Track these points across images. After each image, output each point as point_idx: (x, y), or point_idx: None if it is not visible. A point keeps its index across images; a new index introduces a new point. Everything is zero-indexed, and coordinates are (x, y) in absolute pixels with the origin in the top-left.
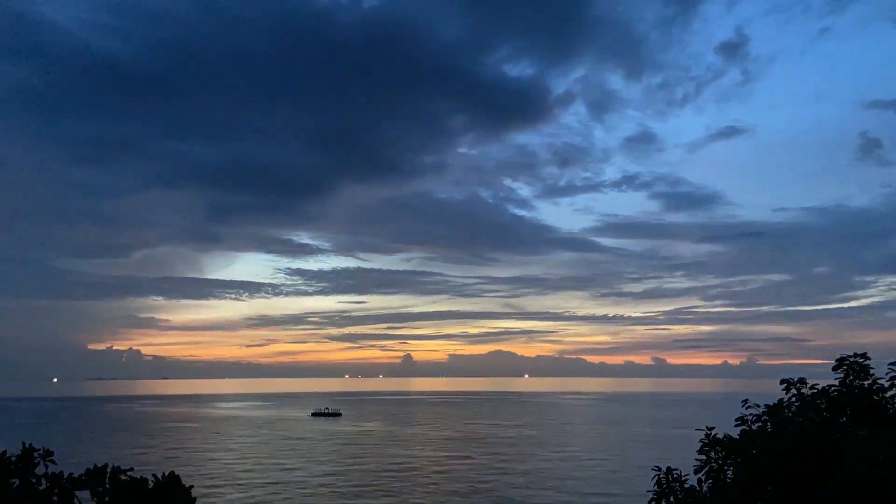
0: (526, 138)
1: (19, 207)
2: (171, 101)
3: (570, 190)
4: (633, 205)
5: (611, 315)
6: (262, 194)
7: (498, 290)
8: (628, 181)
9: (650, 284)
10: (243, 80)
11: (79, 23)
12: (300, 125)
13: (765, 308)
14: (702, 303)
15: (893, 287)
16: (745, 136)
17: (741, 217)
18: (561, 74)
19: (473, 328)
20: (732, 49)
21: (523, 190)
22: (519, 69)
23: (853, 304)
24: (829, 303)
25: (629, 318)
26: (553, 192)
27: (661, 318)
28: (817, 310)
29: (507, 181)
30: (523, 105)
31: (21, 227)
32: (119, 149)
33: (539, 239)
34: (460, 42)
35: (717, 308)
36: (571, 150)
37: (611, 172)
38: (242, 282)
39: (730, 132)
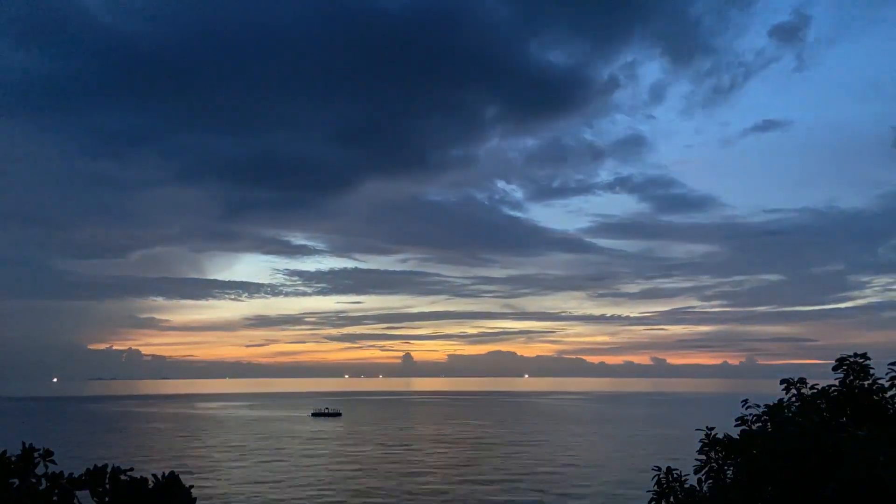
0: (559, 130)
1: (22, 203)
2: (196, 90)
3: (599, 187)
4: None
5: (609, 315)
6: (282, 190)
7: (497, 291)
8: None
9: (651, 284)
10: (272, 69)
11: (105, 4)
12: (327, 117)
13: (765, 308)
14: (700, 303)
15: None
16: (784, 130)
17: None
18: (606, 60)
19: (472, 328)
20: (788, 33)
21: (539, 186)
22: (561, 55)
23: (850, 304)
24: (829, 303)
25: (628, 318)
26: (582, 188)
27: (660, 318)
28: (815, 310)
29: (528, 178)
30: (562, 94)
31: (23, 225)
32: (138, 141)
33: (538, 239)
34: (502, 27)
35: (717, 308)
36: (609, 140)
37: (654, 160)
38: (242, 282)
39: (767, 126)
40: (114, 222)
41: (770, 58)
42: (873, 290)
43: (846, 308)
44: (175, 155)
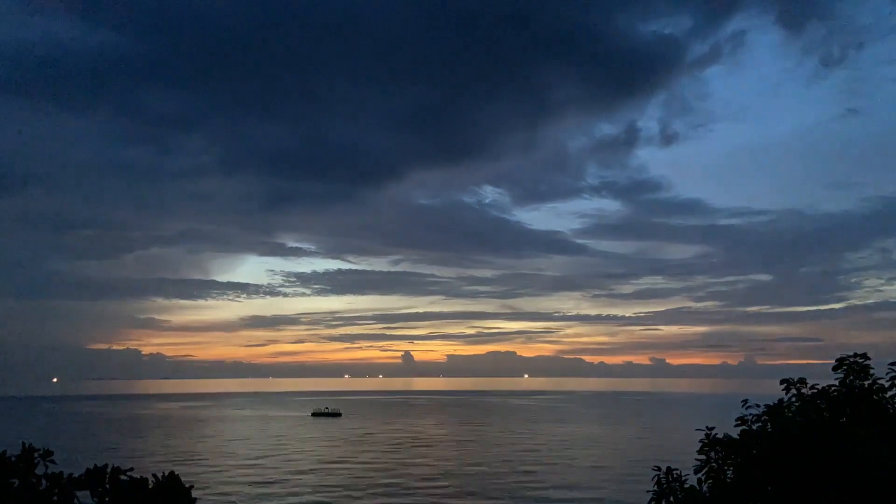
0: (638, 111)
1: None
2: (248, 72)
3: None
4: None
5: (607, 315)
6: (329, 182)
7: (495, 291)
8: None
9: (651, 284)
10: (332, 50)
11: None
12: (381, 102)
13: (761, 308)
14: (698, 303)
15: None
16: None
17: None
18: (706, 30)
19: (471, 329)
20: None
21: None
22: (655, 25)
23: (843, 304)
24: (825, 303)
25: (628, 318)
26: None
27: (659, 318)
28: (812, 310)
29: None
30: (647, 71)
31: (29, 223)
32: (181, 126)
33: (536, 240)
34: None
35: (716, 308)
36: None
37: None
38: (242, 283)
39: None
40: (129, 215)
41: None
42: (864, 292)
43: (840, 308)
44: (218, 142)
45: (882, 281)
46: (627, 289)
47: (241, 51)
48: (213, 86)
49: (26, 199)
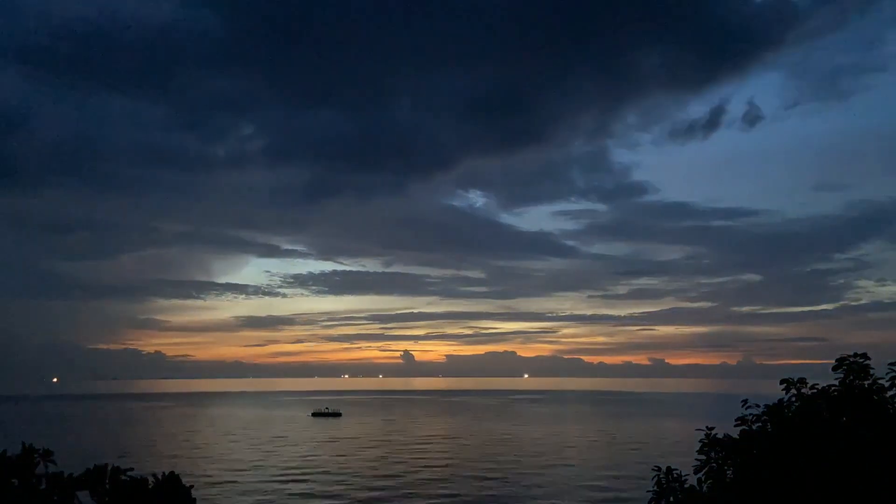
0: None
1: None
2: (303, 55)
3: None
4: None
5: (606, 315)
6: (376, 172)
7: (493, 292)
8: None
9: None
10: (395, 33)
11: None
12: (453, 89)
13: (758, 309)
14: (692, 304)
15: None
16: None
17: None
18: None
19: (470, 329)
20: None
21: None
22: None
23: (837, 305)
24: (821, 303)
25: (626, 318)
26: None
27: (657, 318)
28: (806, 311)
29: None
30: (751, 39)
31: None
32: (230, 112)
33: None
34: None
35: (711, 309)
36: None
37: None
38: (242, 284)
39: None
40: (130, 214)
41: None
42: (857, 293)
43: (834, 309)
44: (266, 129)
45: (872, 282)
46: (621, 289)
47: (300, 34)
48: (269, 70)
49: (35, 199)
